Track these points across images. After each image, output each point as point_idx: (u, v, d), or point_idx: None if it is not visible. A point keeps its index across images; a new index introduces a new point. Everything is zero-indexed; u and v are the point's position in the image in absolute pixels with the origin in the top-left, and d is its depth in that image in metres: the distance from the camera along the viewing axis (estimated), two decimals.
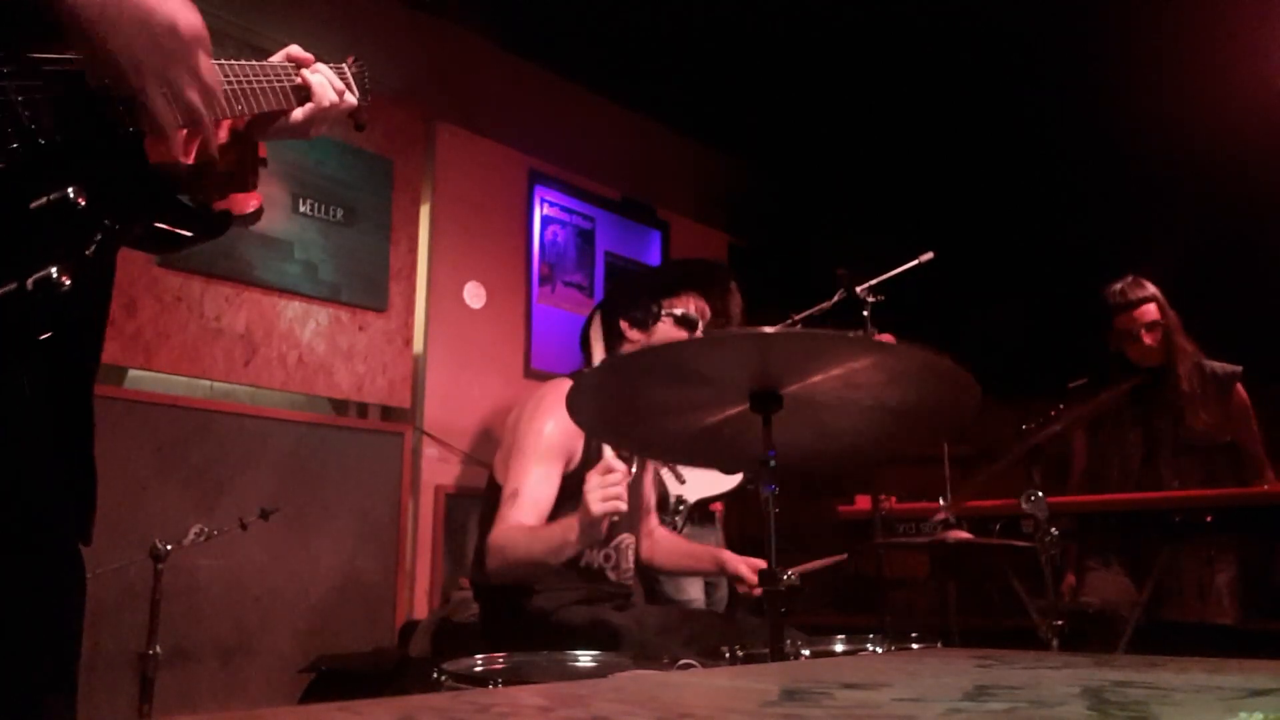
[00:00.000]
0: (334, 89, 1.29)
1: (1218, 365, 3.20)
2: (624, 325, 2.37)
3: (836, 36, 4.22)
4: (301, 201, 3.57)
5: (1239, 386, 3.17)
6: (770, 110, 4.84)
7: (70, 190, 0.93)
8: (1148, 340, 3.19)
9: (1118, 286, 3.26)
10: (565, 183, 4.65)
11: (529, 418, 2.22)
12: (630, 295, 2.45)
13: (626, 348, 2.36)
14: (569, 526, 1.93)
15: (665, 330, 2.34)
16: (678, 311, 2.36)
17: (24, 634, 0.95)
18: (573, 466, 2.20)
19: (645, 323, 2.35)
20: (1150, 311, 3.20)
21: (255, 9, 3.51)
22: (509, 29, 4.29)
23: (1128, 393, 3.11)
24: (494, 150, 4.33)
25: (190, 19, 1.00)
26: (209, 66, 1.04)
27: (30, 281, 0.88)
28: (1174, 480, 3.12)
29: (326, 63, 1.34)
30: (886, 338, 3.02)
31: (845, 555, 2.47)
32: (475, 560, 2.35)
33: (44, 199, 0.92)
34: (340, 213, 3.69)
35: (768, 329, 1.35)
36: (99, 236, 0.97)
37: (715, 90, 4.69)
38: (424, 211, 4.04)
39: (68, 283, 0.90)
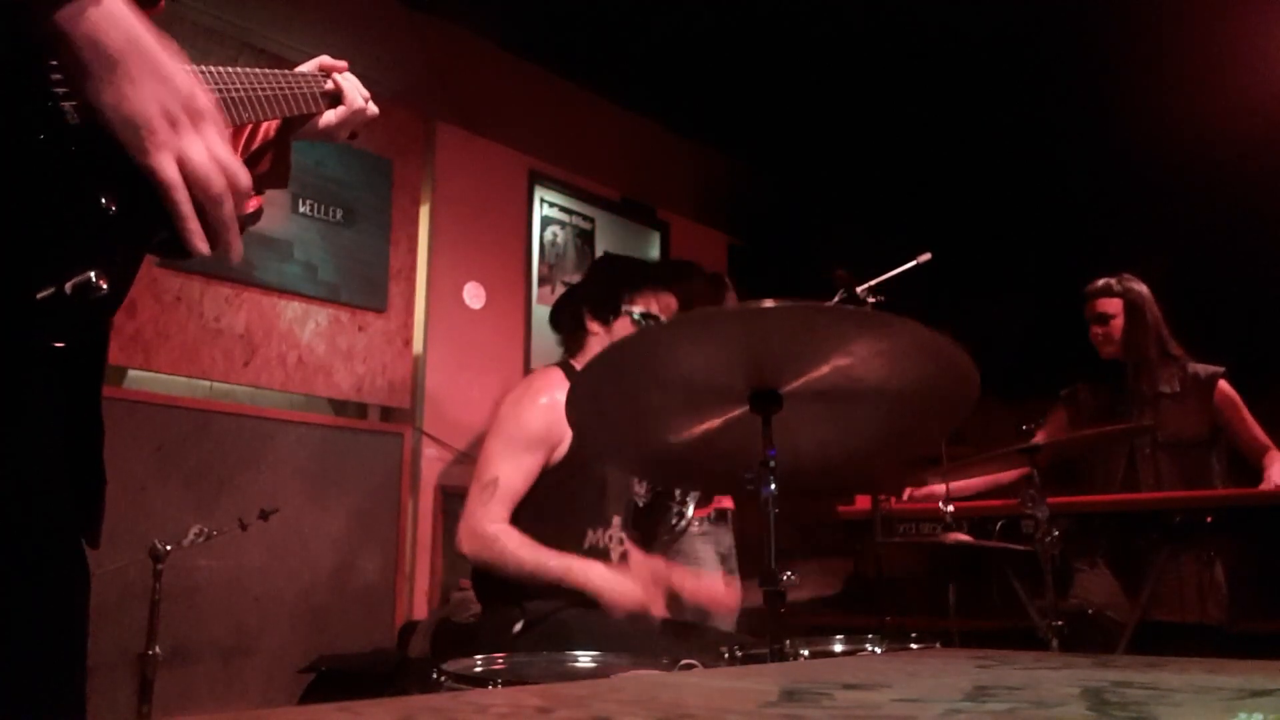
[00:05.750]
0: (361, 95, 1.38)
1: (1200, 367, 3.25)
2: (586, 313, 2.38)
3: (836, 37, 4.22)
4: (301, 202, 3.57)
5: (1222, 383, 3.19)
6: (770, 110, 4.84)
7: (103, 198, 0.93)
8: (1095, 331, 3.33)
9: (1101, 279, 3.39)
10: (565, 183, 4.66)
11: (514, 403, 2.24)
12: (597, 286, 2.46)
13: (589, 341, 2.37)
14: (569, 570, 2.09)
15: (623, 328, 2.35)
16: (637, 311, 2.36)
17: (32, 635, 0.96)
18: (556, 459, 2.22)
19: (605, 316, 2.37)
20: (1103, 305, 3.33)
21: (255, 10, 3.51)
22: (509, 29, 4.29)
23: (1103, 403, 3.19)
24: (494, 150, 4.33)
25: (206, 98, 0.95)
26: (222, 139, 0.96)
27: (69, 286, 0.88)
28: (1151, 478, 3.15)
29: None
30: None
31: None
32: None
33: (76, 205, 0.92)
34: (340, 213, 3.69)
35: (760, 303, 1.32)
36: (129, 242, 0.97)
37: (715, 91, 4.69)
38: (424, 212, 4.04)
39: (105, 287, 0.90)
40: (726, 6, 4.06)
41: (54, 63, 0.90)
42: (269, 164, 1.32)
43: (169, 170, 0.91)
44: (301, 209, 3.57)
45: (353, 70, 1.46)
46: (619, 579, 2.11)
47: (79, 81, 0.89)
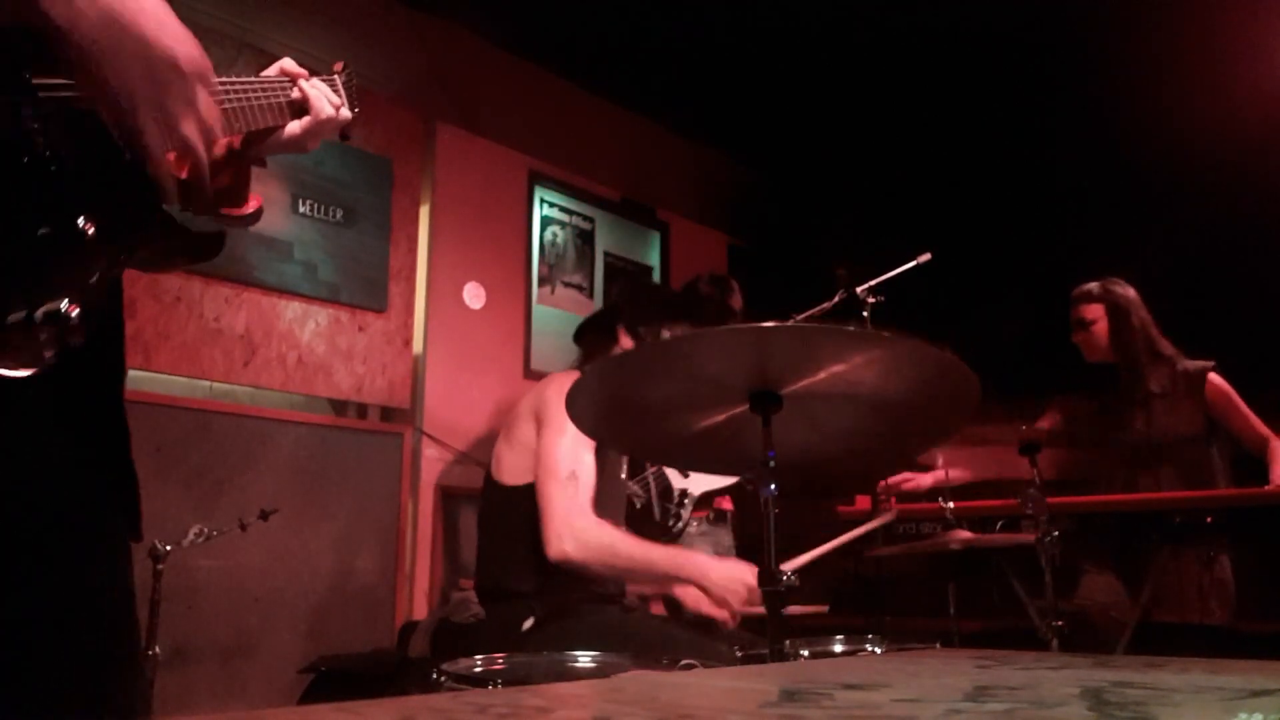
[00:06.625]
0: (330, 102, 1.29)
1: (1189, 363, 3.24)
2: (621, 330, 2.41)
3: (836, 37, 4.22)
4: (301, 202, 3.57)
5: (1211, 376, 3.18)
6: (770, 111, 4.84)
7: (80, 219, 0.93)
8: (1076, 336, 3.37)
9: (1087, 283, 3.41)
10: (565, 183, 4.66)
11: (560, 401, 2.25)
12: (638, 304, 2.50)
13: (616, 352, 2.39)
14: (678, 562, 2.14)
15: None
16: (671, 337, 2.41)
17: (86, 628, 0.97)
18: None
19: (642, 337, 2.41)
20: (1084, 311, 3.35)
21: (254, 10, 3.51)
22: (509, 29, 4.29)
23: (1095, 407, 3.22)
24: (494, 150, 4.33)
25: (191, 52, 0.97)
26: (208, 102, 1.00)
27: (40, 313, 0.88)
28: (1150, 482, 3.15)
29: (318, 74, 1.34)
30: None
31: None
32: (481, 562, 2.35)
33: (53, 227, 0.92)
34: (340, 213, 3.69)
35: (765, 324, 1.32)
36: (105, 264, 0.97)
37: (715, 91, 4.69)
38: (424, 212, 4.04)
39: (75, 314, 0.90)
40: (726, 7, 4.06)
41: (33, 81, 0.90)
42: (229, 181, 1.23)
43: (151, 134, 0.94)
44: (301, 209, 3.57)
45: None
46: (728, 567, 2.11)
47: (70, 68, 0.89)
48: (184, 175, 1.14)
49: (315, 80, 1.30)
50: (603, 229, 4.83)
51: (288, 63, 1.29)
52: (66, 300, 0.90)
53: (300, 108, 1.27)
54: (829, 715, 0.60)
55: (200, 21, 3.32)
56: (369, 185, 3.80)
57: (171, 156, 1.05)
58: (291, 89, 1.26)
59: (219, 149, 1.22)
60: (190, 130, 0.97)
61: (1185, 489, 3.06)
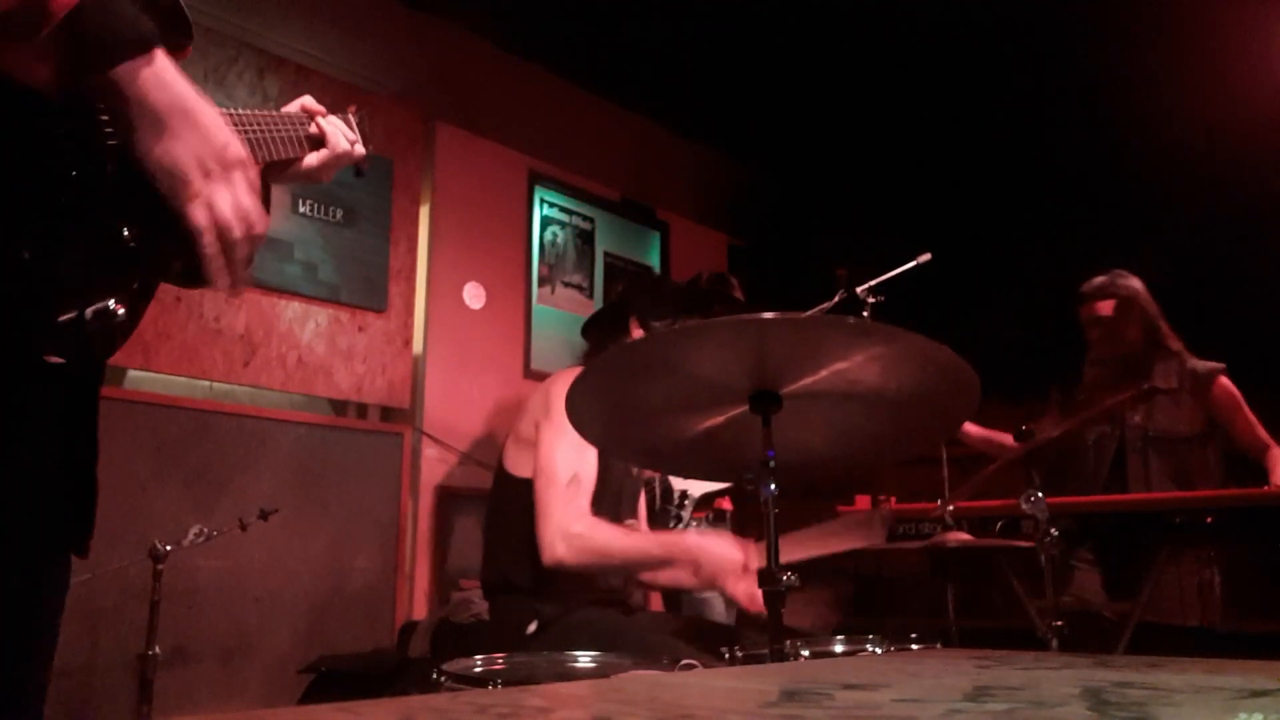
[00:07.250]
0: (346, 138, 1.38)
1: (1199, 363, 3.23)
2: (633, 321, 2.42)
3: (836, 37, 4.22)
4: (301, 202, 3.57)
5: (1221, 379, 3.18)
6: (770, 111, 4.84)
7: (125, 230, 0.99)
8: (1092, 333, 3.37)
9: (1095, 278, 3.40)
10: (565, 183, 4.65)
11: (563, 400, 2.25)
12: (652, 297, 2.51)
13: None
14: (669, 546, 2.16)
15: None
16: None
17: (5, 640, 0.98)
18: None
19: (652, 328, 2.41)
20: (1099, 308, 3.35)
21: (254, 10, 3.51)
22: (509, 29, 4.29)
23: (1127, 398, 3.19)
24: (494, 150, 4.33)
25: (239, 148, 1.03)
26: (246, 191, 1.05)
27: (90, 312, 0.94)
28: (1139, 473, 3.15)
29: (338, 110, 1.42)
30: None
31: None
32: (486, 556, 2.35)
33: (104, 237, 0.97)
34: (340, 213, 3.69)
35: (766, 314, 1.31)
36: (145, 274, 1.04)
37: (715, 91, 4.69)
38: (424, 212, 4.04)
39: (122, 313, 0.97)
40: (726, 6, 4.06)
41: (100, 104, 0.95)
42: None
43: (200, 217, 1.00)
44: (301, 209, 3.57)
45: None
46: (717, 542, 2.14)
47: (124, 132, 0.95)
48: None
49: (332, 118, 1.38)
50: (603, 229, 4.82)
51: (308, 100, 1.37)
52: (113, 300, 0.96)
53: (318, 141, 1.35)
54: (829, 715, 0.60)
55: (200, 21, 3.30)
56: (369, 185, 3.80)
57: (212, 252, 1.09)
58: (310, 124, 1.34)
59: None
60: (228, 209, 1.02)
61: (1174, 487, 3.06)
